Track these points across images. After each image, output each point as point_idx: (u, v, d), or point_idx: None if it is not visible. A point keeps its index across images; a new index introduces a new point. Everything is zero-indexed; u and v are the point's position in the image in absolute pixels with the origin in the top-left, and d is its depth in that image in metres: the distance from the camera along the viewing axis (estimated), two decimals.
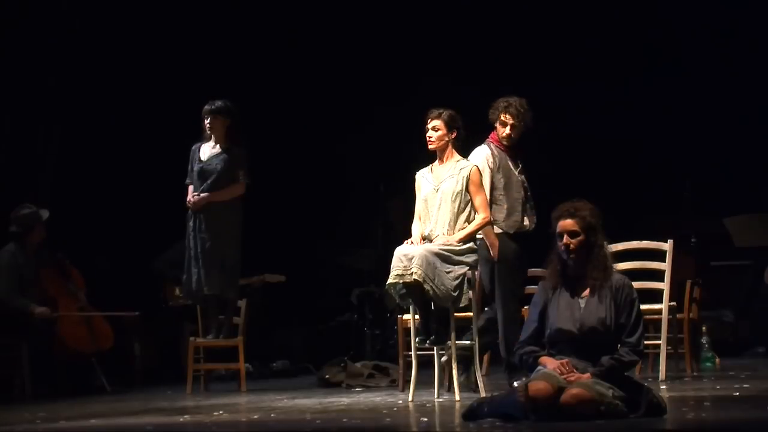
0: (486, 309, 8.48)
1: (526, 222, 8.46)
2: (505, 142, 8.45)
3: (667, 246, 8.72)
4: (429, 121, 8.21)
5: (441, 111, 8.20)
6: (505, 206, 8.39)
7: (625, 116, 12.56)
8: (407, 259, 7.78)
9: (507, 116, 8.40)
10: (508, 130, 8.41)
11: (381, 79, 12.76)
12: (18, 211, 10.11)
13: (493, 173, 8.38)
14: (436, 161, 8.27)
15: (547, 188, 8.75)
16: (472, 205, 8.09)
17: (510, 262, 8.34)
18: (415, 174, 8.32)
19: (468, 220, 8.08)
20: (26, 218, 10.09)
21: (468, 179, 8.10)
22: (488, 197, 8.25)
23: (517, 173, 8.47)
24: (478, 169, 8.18)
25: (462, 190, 8.08)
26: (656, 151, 12.67)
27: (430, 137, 8.19)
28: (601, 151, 12.54)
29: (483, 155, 8.43)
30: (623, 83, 12.61)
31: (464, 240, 8.00)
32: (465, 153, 8.33)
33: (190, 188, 9.57)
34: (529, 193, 8.51)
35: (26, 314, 9.88)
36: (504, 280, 8.34)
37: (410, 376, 8.06)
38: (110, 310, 10.50)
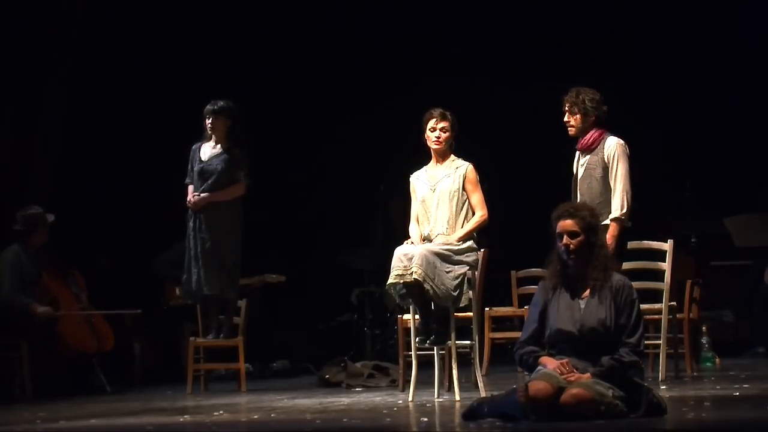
0: None
1: None
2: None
3: (667, 246, 8.71)
4: (436, 121, 8.16)
5: (445, 111, 8.17)
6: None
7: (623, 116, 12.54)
8: (407, 259, 7.77)
9: (564, 105, 8.17)
10: (565, 118, 8.20)
11: (381, 79, 12.75)
12: (25, 211, 10.10)
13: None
14: (431, 162, 8.25)
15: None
16: (469, 204, 8.09)
17: None
18: (409, 177, 8.30)
19: (467, 219, 8.08)
20: (31, 218, 10.07)
21: (465, 177, 8.10)
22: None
23: (580, 167, 8.17)
24: (474, 168, 8.16)
25: (459, 188, 8.07)
26: (656, 151, 12.65)
27: (438, 137, 8.15)
28: None
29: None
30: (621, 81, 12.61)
31: (463, 239, 7.99)
32: (455, 153, 8.26)
33: (190, 188, 9.57)
34: (579, 191, 8.14)
35: (28, 313, 9.88)
36: None
37: (410, 376, 8.05)
38: (110, 310, 10.49)
